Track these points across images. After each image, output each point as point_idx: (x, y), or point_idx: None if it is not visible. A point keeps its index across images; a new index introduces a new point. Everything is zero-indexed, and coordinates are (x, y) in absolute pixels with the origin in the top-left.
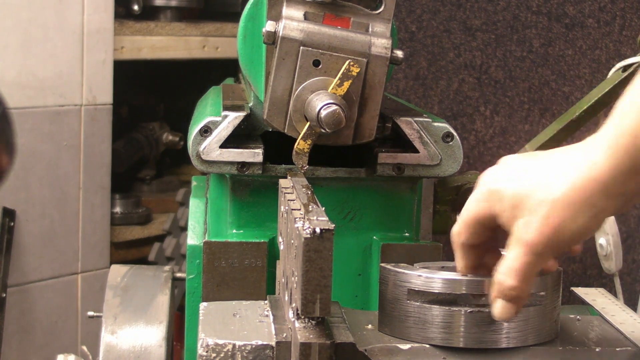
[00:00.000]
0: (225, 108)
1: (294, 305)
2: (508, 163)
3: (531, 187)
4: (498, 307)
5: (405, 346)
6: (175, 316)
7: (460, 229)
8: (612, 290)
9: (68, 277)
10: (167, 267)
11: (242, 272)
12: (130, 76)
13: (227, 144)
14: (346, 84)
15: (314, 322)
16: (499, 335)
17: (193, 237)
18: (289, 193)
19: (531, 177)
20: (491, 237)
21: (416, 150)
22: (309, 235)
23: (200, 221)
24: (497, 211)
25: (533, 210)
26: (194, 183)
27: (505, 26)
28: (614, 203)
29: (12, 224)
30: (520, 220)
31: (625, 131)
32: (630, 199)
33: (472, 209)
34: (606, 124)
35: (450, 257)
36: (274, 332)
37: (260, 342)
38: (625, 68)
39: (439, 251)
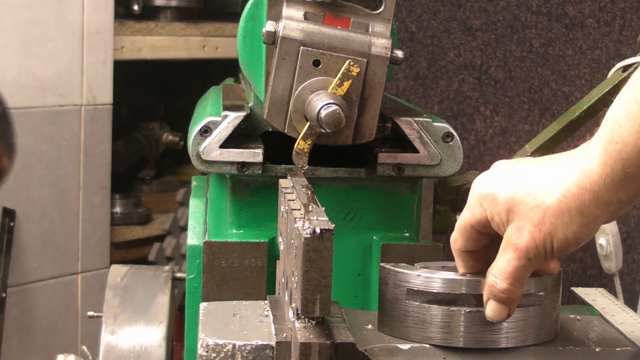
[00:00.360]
0: (225, 108)
1: (294, 305)
2: (501, 168)
3: (525, 192)
4: (490, 308)
5: (405, 346)
6: (175, 316)
7: (456, 236)
8: (612, 290)
9: (68, 277)
10: (167, 267)
11: (242, 272)
12: (130, 76)
13: (227, 144)
14: (346, 84)
15: (314, 322)
16: (498, 335)
17: (193, 237)
18: (289, 193)
19: (524, 182)
20: (489, 243)
21: (416, 150)
22: (309, 235)
23: (200, 221)
24: (490, 214)
25: (526, 215)
26: (194, 183)
27: (505, 26)
28: (606, 212)
29: (12, 224)
30: (513, 224)
31: (617, 140)
32: (622, 208)
33: (466, 214)
34: (598, 132)
35: (450, 257)
36: (274, 332)
37: (260, 342)
38: (625, 68)
39: (439, 251)
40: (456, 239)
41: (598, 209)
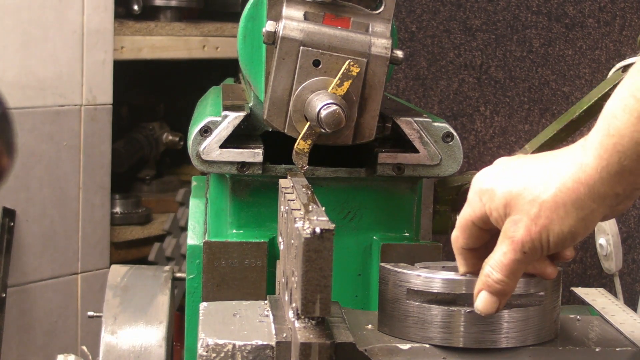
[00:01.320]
0: (225, 108)
1: (294, 305)
2: (501, 164)
3: (522, 187)
4: (481, 300)
5: (405, 346)
6: (175, 316)
7: (457, 233)
8: (612, 290)
9: (68, 277)
10: (167, 267)
11: (242, 272)
12: (130, 76)
13: (227, 144)
14: (346, 84)
15: (314, 322)
16: (498, 335)
17: (193, 237)
18: (289, 193)
19: (522, 177)
20: (490, 241)
21: (416, 150)
22: (309, 235)
23: (200, 221)
24: (489, 209)
25: (522, 209)
26: (194, 183)
27: (505, 26)
28: (602, 206)
29: (12, 224)
30: (510, 218)
31: (613, 132)
32: (619, 203)
33: (466, 210)
34: (595, 126)
35: (450, 257)
36: (274, 332)
37: (260, 342)
38: (625, 68)
39: (439, 251)
40: (457, 237)
41: (594, 203)
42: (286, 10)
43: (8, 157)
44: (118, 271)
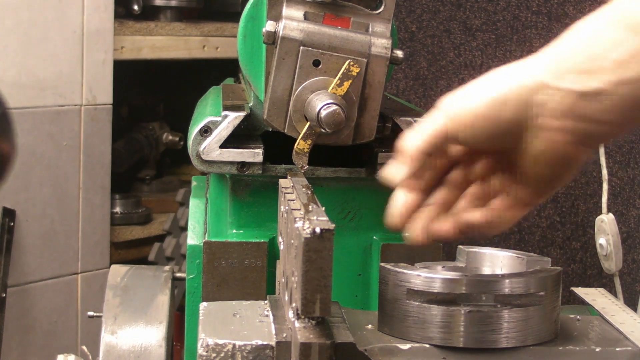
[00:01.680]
0: (225, 108)
1: (294, 305)
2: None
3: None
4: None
5: (405, 346)
6: (175, 316)
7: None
8: (612, 290)
9: (68, 277)
10: (167, 267)
11: (242, 272)
12: (130, 76)
13: (227, 144)
14: (346, 84)
15: (314, 322)
16: (498, 335)
17: (193, 237)
18: (289, 193)
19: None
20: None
21: None
22: (309, 235)
23: (200, 221)
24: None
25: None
26: (194, 183)
27: (505, 26)
28: (516, 98)
29: (12, 224)
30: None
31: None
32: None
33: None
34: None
35: (450, 257)
36: (274, 332)
37: (260, 342)
38: None
39: (439, 251)
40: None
41: (511, 92)
42: (286, 10)
43: (8, 157)
44: (118, 271)
